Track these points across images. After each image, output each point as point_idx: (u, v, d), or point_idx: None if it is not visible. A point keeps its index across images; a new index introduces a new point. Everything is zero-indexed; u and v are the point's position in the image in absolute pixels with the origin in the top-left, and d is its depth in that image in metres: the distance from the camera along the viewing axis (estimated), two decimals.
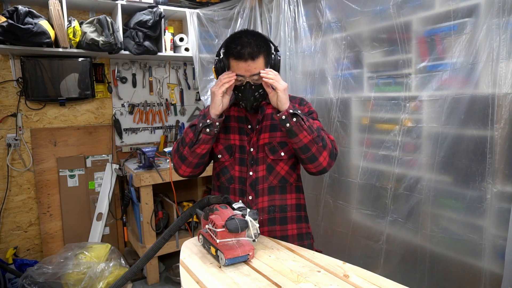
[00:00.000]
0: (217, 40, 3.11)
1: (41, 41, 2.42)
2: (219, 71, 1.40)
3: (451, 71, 1.66)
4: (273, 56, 1.38)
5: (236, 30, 2.93)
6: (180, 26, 3.37)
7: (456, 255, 1.71)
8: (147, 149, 2.79)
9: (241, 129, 1.47)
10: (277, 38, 2.66)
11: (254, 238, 1.18)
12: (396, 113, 1.93)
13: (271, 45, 1.40)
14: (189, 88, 3.52)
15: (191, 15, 3.03)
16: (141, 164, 2.81)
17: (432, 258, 1.79)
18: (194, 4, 3.17)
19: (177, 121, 3.48)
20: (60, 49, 2.59)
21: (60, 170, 2.92)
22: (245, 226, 1.14)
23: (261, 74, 1.30)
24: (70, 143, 2.97)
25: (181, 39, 3.13)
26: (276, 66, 1.39)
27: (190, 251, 1.25)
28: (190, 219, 3.02)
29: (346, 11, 2.12)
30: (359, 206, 2.16)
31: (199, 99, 3.48)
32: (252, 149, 1.44)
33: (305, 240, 1.50)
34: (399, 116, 1.91)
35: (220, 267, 1.13)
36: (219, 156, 1.49)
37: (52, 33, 2.48)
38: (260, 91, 1.37)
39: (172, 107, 3.44)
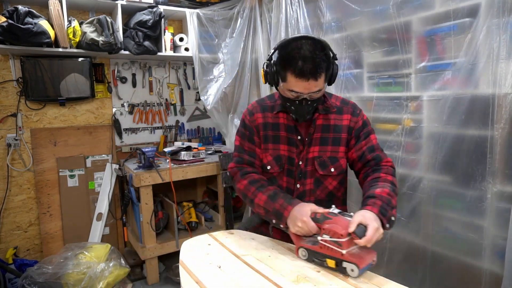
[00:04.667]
0: (217, 40, 3.11)
1: (41, 41, 2.42)
2: (270, 78, 1.28)
3: (451, 71, 1.66)
4: (332, 66, 1.25)
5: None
6: (180, 26, 3.37)
7: (457, 254, 1.71)
8: (147, 149, 2.78)
9: (291, 139, 1.38)
10: (277, 38, 2.66)
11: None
12: (397, 113, 1.92)
13: (330, 53, 1.24)
14: (189, 88, 3.52)
15: (191, 15, 3.04)
16: (141, 164, 2.81)
17: (433, 258, 1.80)
18: (194, 4, 3.17)
19: (177, 121, 3.48)
20: (60, 49, 2.59)
21: (60, 170, 2.92)
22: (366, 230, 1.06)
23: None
24: (70, 143, 2.97)
25: (181, 39, 3.13)
26: (333, 78, 1.28)
27: (190, 251, 1.25)
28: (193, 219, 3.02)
29: (346, 11, 2.12)
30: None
31: (199, 99, 3.48)
32: (300, 162, 1.38)
33: None
34: (401, 116, 1.91)
35: (220, 267, 1.13)
36: (268, 167, 1.42)
37: (52, 33, 2.48)
38: (315, 105, 1.29)
39: (172, 107, 3.44)
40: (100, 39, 2.62)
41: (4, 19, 2.32)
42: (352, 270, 1.04)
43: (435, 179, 1.76)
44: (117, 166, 3.07)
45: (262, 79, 1.33)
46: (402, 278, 1.03)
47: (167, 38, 3.03)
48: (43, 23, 2.44)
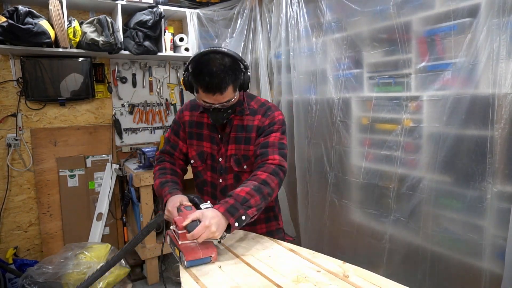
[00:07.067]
0: (217, 40, 3.11)
1: (41, 41, 2.43)
2: (187, 86, 1.40)
3: (452, 71, 1.66)
4: (242, 76, 1.37)
5: (234, 32, 2.97)
6: (180, 26, 3.37)
7: (457, 254, 1.70)
8: (147, 149, 2.79)
9: (212, 138, 1.52)
10: (277, 38, 2.66)
11: (218, 240, 1.18)
12: (397, 113, 1.92)
13: (241, 63, 1.37)
14: None
15: (191, 15, 3.04)
16: (141, 164, 2.81)
17: (433, 258, 1.80)
18: (194, 4, 3.17)
19: None
20: (60, 49, 2.59)
21: (60, 170, 2.92)
22: None
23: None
24: (70, 143, 2.97)
25: (181, 39, 3.13)
26: (245, 85, 1.39)
27: None
28: None
29: (347, 11, 2.12)
30: (363, 205, 2.16)
31: None
32: (220, 159, 1.51)
33: (275, 235, 1.54)
34: (400, 116, 1.90)
35: (220, 267, 1.13)
36: (192, 161, 1.57)
37: (52, 33, 2.48)
38: (229, 111, 1.41)
39: (172, 107, 3.44)
40: (100, 39, 2.62)
41: (4, 19, 2.32)
42: (183, 261, 1.13)
43: (435, 179, 1.76)
44: (117, 166, 3.07)
45: (183, 87, 1.43)
46: (402, 278, 1.03)
47: (167, 38, 3.03)
48: (43, 23, 2.44)
